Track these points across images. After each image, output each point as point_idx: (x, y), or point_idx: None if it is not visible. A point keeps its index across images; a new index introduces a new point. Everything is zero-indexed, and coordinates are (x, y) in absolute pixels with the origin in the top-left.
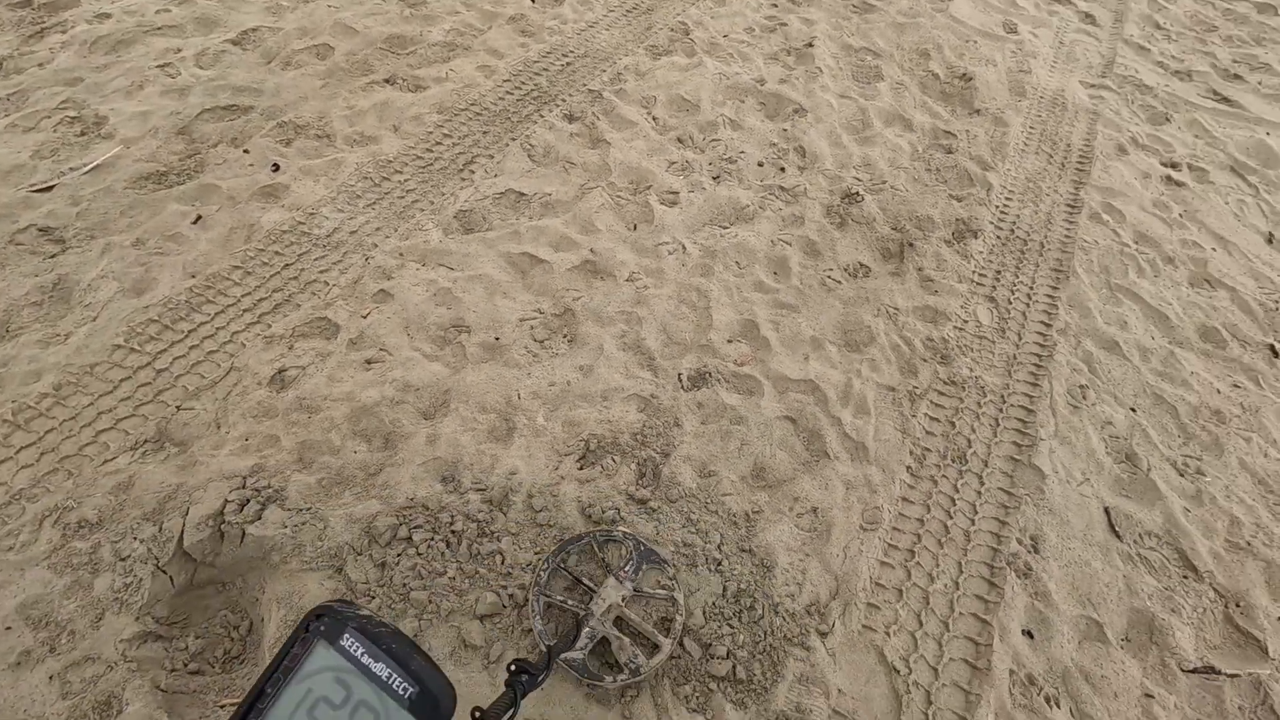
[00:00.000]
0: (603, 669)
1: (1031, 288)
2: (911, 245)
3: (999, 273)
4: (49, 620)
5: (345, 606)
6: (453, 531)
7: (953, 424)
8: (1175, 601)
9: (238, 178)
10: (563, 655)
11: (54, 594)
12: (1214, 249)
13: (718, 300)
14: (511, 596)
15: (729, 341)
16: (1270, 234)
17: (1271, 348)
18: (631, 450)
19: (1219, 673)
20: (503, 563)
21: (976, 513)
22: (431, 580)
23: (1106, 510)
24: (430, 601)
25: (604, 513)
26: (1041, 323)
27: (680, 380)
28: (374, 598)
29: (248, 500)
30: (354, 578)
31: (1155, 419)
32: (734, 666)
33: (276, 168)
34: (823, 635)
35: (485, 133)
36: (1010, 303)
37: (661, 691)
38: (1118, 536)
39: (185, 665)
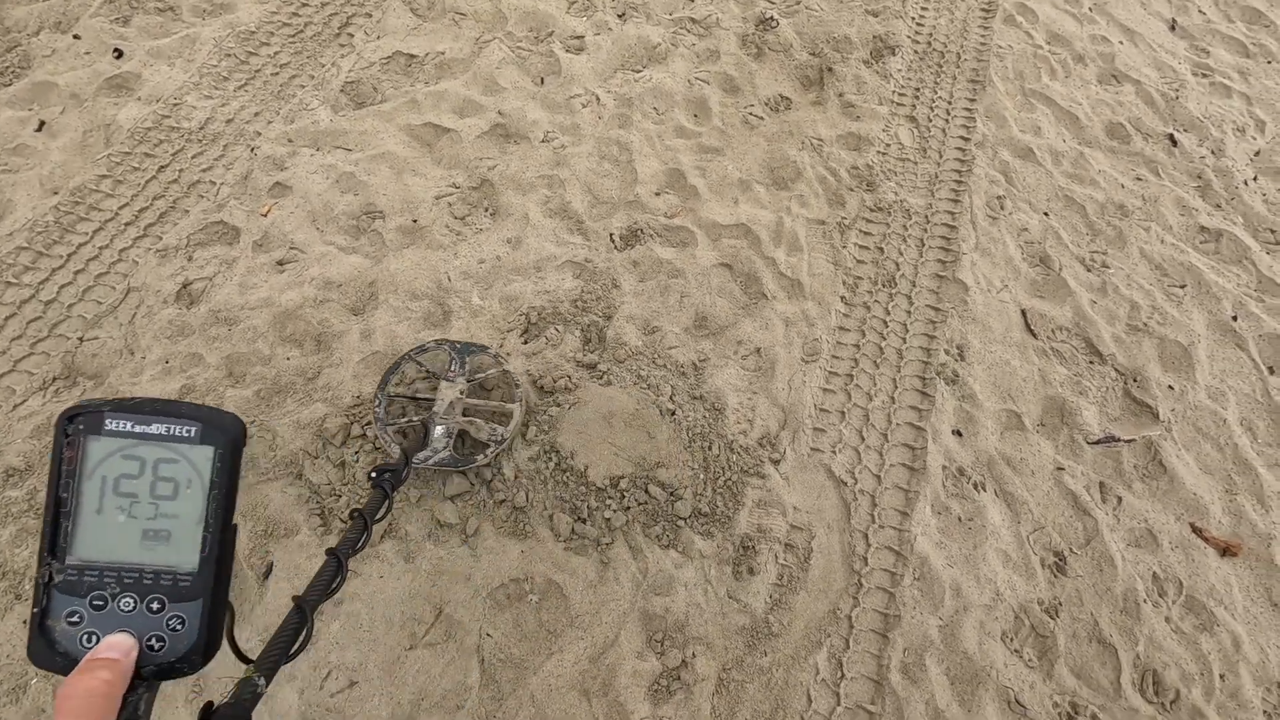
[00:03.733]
0: (472, 452)
1: (950, 102)
2: (830, 70)
3: (918, 90)
4: (4, 570)
5: (90, 401)
6: (407, 421)
7: (881, 250)
8: (1082, 385)
9: (75, 70)
10: (434, 460)
11: (1, 544)
12: (1121, 41)
13: (640, 152)
14: (478, 474)
15: (657, 194)
16: (1173, 20)
17: (1170, 137)
18: (573, 317)
19: (1119, 439)
20: (465, 444)
21: (908, 331)
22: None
23: (1023, 312)
24: (398, 491)
25: (555, 382)
26: (960, 138)
27: (613, 240)
28: (340, 495)
29: None
30: (315, 480)
31: (1066, 220)
32: (697, 502)
33: (119, 53)
34: (775, 463)
35: None
36: (930, 120)
37: (634, 534)
38: (1033, 334)
39: None
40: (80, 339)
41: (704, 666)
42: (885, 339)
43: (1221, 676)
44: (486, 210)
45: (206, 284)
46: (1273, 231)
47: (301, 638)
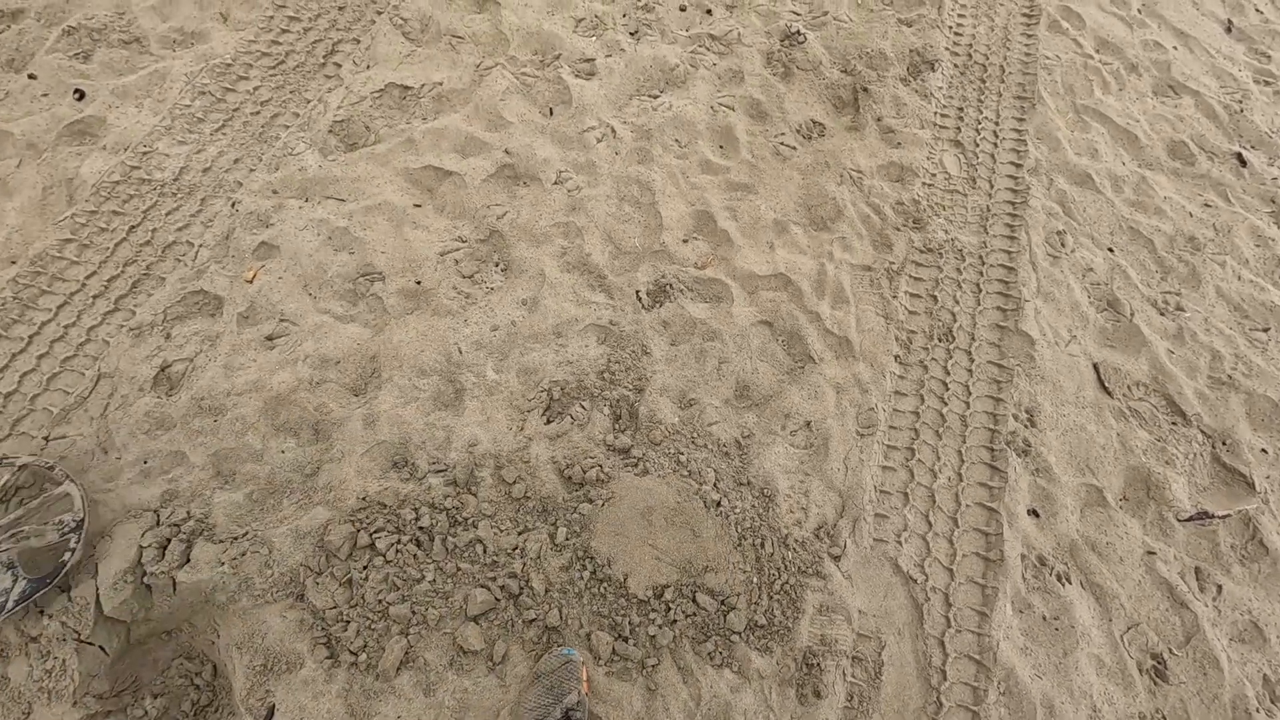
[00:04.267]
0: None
1: (997, 123)
2: (866, 90)
3: (961, 110)
4: None
5: None
6: (420, 529)
7: (934, 298)
8: (1167, 452)
9: (31, 115)
10: (11, 602)
11: None
12: (1175, 47)
13: (663, 191)
14: (504, 588)
15: (684, 241)
16: (1229, 22)
17: (1239, 156)
18: (600, 391)
19: (1212, 516)
20: (485, 552)
21: (970, 394)
22: (409, 589)
23: (1095, 367)
24: (414, 613)
25: (585, 472)
26: (1011, 164)
27: (639, 298)
28: (348, 622)
29: (168, 540)
30: (319, 604)
31: (1133, 256)
32: (751, 612)
33: (80, 95)
34: (835, 559)
35: (340, 7)
36: (977, 145)
37: (682, 653)
38: (1108, 393)
39: None
40: (46, 438)
41: None
42: (946, 404)
43: None
44: (497, 266)
45: (187, 366)
46: None
47: None
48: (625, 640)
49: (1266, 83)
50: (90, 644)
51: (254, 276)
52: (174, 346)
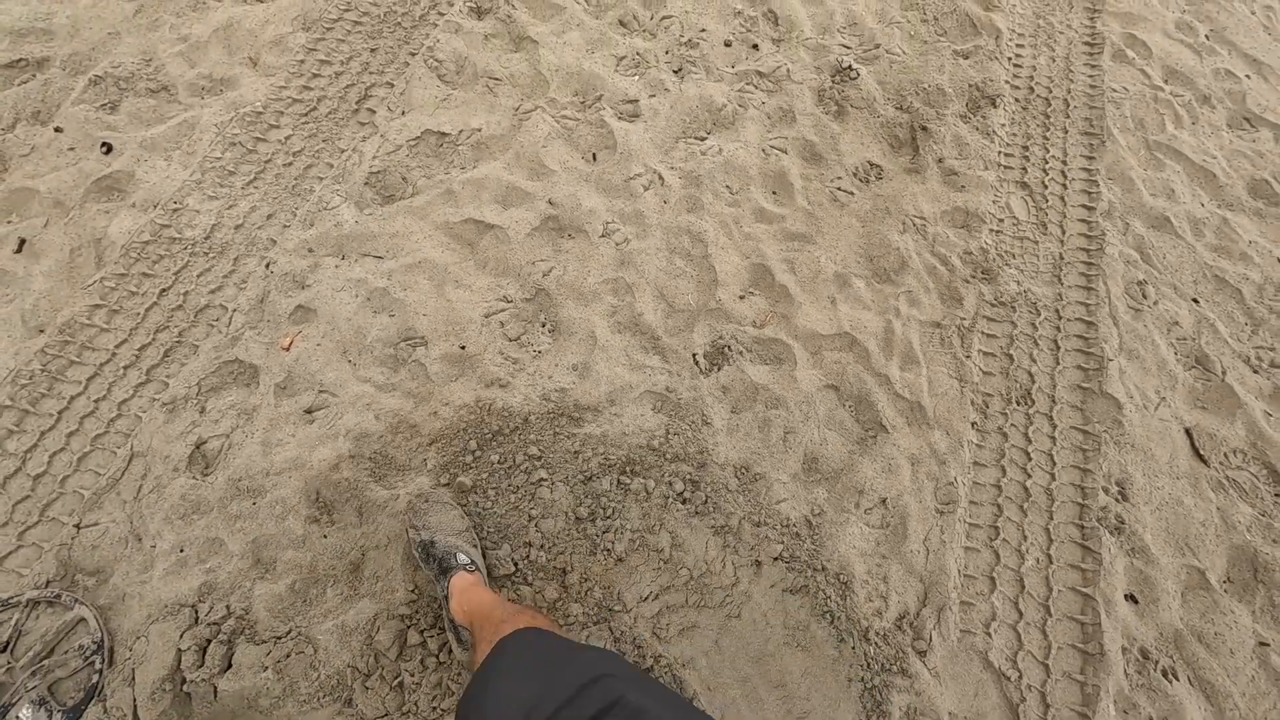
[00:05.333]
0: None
1: (1065, 162)
2: (924, 128)
3: (1026, 148)
4: None
5: None
6: None
7: (1010, 356)
8: (1273, 528)
9: (58, 171)
10: None
11: None
12: (1248, 75)
13: (716, 243)
14: None
15: (741, 298)
16: None
17: None
18: (658, 466)
19: None
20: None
21: (1054, 464)
22: None
23: (1188, 432)
24: None
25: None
26: (1083, 206)
27: (696, 361)
28: None
29: (208, 641)
30: (369, 711)
31: (1220, 307)
32: None
33: (108, 148)
34: (921, 654)
35: (373, 50)
36: (1045, 186)
37: None
38: (1204, 461)
39: None
40: (78, 525)
41: None
42: (1030, 475)
43: None
44: (545, 327)
45: (223, 443)
46: None
47: None
48: None
49: None
50: None
51: (290, 344)
52: (209, 422)
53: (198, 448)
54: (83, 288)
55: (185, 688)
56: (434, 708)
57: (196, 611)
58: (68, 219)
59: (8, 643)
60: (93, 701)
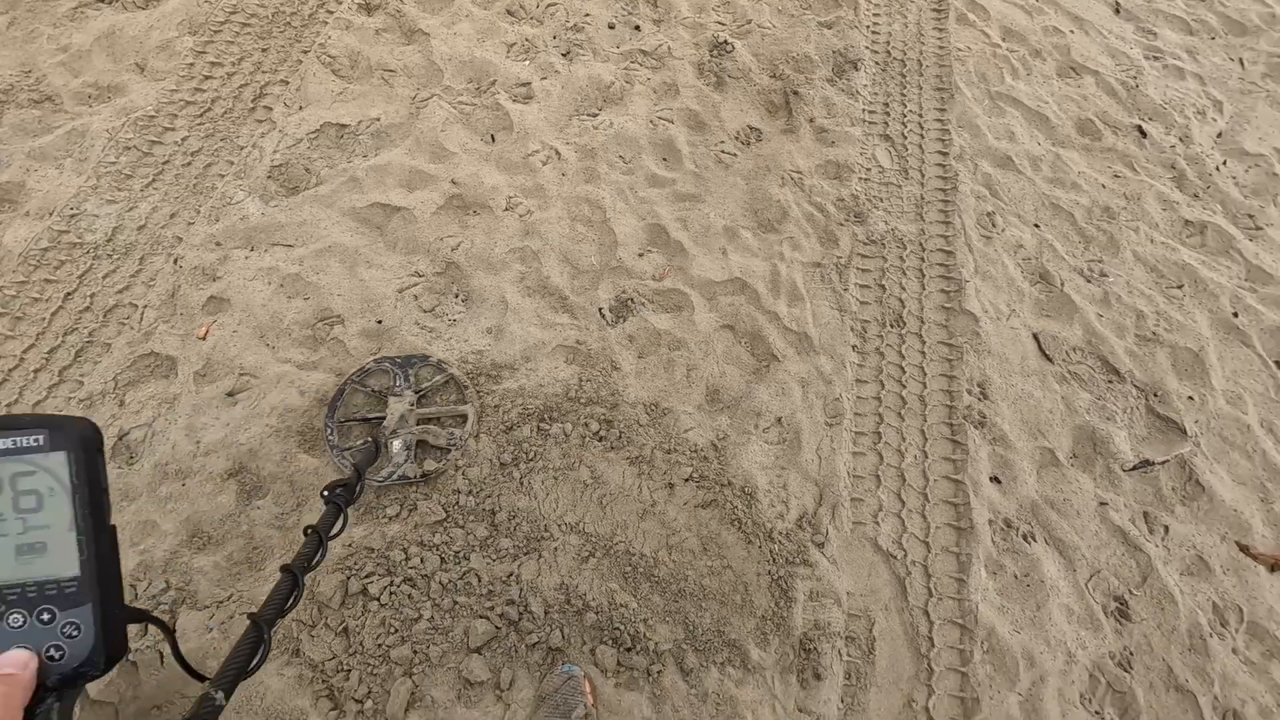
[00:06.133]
0: (431, 459)
1: (921, 115)
2: (796, 94)
3: (887, 105)
4: None
5: None
6: (411, 568)
7: (883, 287)
8: (1107, 408)
9: None
10: (397, 474)
11: None
12: (1072, 30)
13: (613, 209)
14: (503, 615)
15: (640, 255)
16: (1116, 3)
17: (1139, 128)
18: (574, 410)
19: (1153, 463)
20: (480, 581)
21: (925, 374)
22: (408, 630)
23: (1035, 337)
24: (415, 653)
25: (576, 491)
26: (939, 152)
27: (603, 315)
28: (349, 671)
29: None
30: (317, 656)
31: (1057, 230)
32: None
33: None
34: (819, 546)
35: (264, 49)
36: (905, 137)
37: (685, 657)
38: (1049, 360)
39: None
40: None
41: None
42: (905, 386)
43: None
44: (457, 297)
45: (146, 432)
46: (1250, 217)
47: (259, 655)
48: (629, 651)
49: (1155, 58)
50: None
51: (206, 333)
52: (129, 414)
53: (120, 439)
54: None
55: (131, 657)
56: (379, 644)
57: (135, 589)
58: None
59: (423, 392)
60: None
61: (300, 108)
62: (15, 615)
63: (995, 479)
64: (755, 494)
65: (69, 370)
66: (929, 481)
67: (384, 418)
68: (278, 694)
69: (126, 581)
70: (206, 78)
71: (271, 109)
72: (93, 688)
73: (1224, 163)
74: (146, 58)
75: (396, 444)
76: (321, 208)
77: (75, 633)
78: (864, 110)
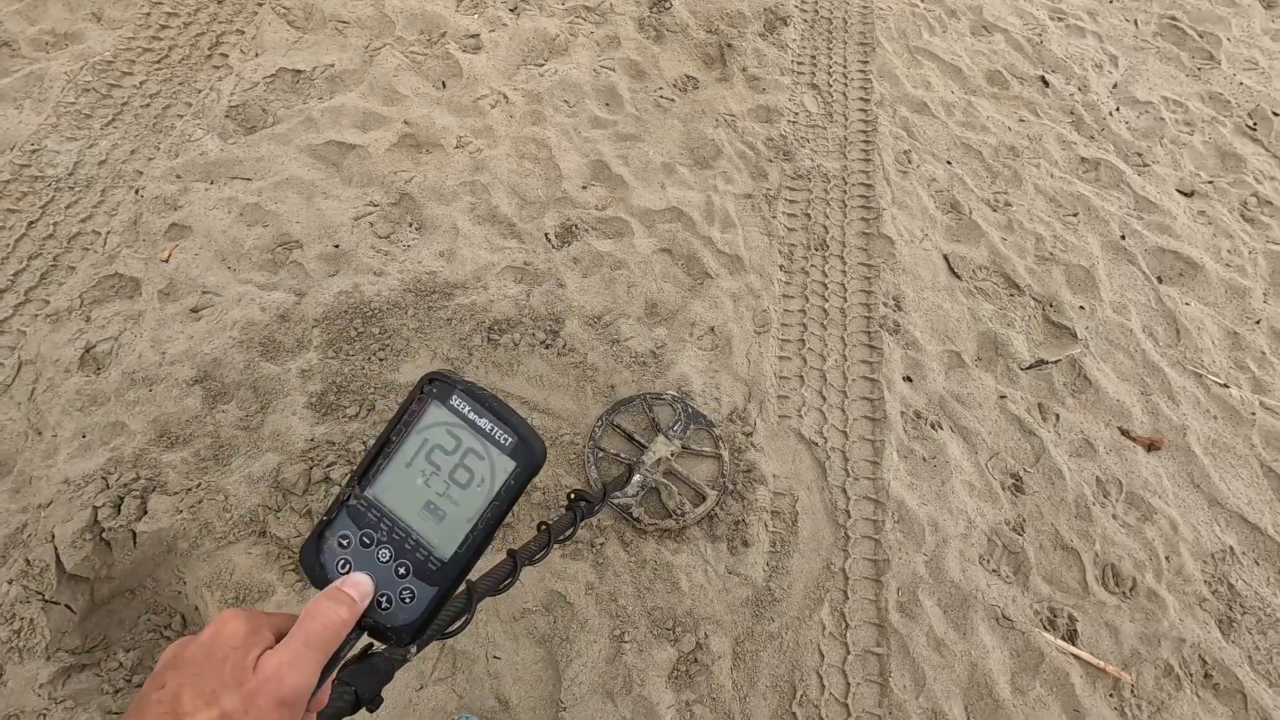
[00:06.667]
0: (650, 513)
1: (845, 66)
2: (730, 46)
3: (814, 57)
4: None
5: (452, 373)
6: None
7: (809, 215)
8: (1008, 317)
9: None
10: (620, 501)
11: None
12: None
13: (559, 147)
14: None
15: (584, 188)
16: None
17: (1042, 79)
18: (522, 323)
19: (1047, 362)
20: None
21: (846, 290)
22: None
23: (945, 257)
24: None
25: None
26: (861, 99)
27: (549, 239)
28: None
29: (121, 499)
30: (282, 534)
31: (967, 166)
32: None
33: None
34: (748, 435)
35: (220, 1)
36: (830, 86)
37: (625, 530)
38: (957, 277)
39: (129, 680)
40: None
41: (718, 644)
42: (827, 300)
43: (1167, 558)
44: (411, 225)
45: (113, 345)
46: (1139, 155)
47: (462, 620)
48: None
49: (1059, 19)
50: (55, 603)
51: (169, 255)
52: (95, 328)
53: (88, 351)
54: None
55: (105, 535)
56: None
57: (107, 480)
58: None
59: (688, 450)
60: (724, 495)
61: (256, 55)
62: (385, 550)
63: (908, 378)
64: (691, 393)
65: (34, 290)
66: (848, 381)
67: (646, 448)
68: (246, 569)
69: (99, 475)
70: (163, 27)
71: (228, 56)
72: (70, 560)
73: (1117, 109)
74: (103, 7)
75: (635, 478)
76: (279, 145)
77: (409, 599)
78: (793, 62)
